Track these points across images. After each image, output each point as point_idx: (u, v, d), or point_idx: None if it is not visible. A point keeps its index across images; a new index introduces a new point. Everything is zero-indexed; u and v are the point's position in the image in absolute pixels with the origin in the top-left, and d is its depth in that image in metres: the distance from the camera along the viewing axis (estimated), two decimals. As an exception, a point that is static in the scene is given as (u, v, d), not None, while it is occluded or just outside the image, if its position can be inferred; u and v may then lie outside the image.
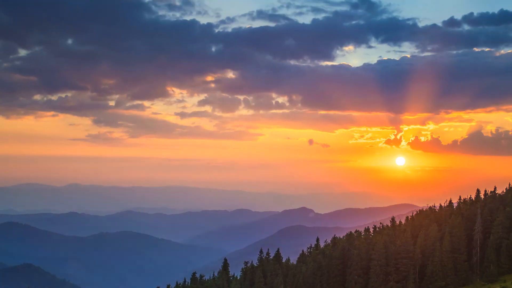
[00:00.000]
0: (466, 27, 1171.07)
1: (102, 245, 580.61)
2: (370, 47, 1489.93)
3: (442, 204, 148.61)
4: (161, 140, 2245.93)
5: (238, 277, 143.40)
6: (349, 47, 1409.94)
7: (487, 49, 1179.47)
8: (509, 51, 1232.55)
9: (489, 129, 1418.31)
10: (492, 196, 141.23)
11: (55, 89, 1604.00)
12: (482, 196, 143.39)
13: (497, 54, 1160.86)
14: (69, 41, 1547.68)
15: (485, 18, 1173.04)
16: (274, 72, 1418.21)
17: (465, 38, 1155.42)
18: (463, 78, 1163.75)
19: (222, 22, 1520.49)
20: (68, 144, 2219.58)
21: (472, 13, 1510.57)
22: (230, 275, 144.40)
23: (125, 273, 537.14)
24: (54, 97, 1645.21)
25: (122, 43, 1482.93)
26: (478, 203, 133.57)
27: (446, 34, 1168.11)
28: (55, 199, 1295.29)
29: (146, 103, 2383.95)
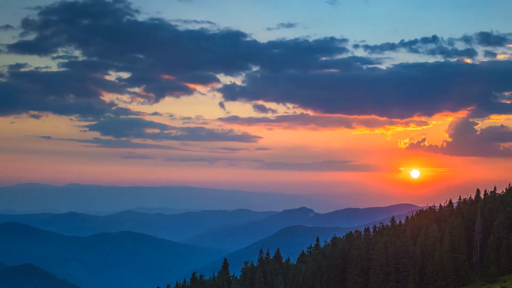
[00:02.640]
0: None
1: (102, 245, 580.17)
2: (359, 56, 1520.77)
3: (442, 204, 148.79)
4: (163, 142, 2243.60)
5: (238, 277, 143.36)
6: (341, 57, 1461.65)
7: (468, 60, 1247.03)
8: (485, 59, 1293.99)
9: (477, 131, 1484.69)
10: (492, 196, 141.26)
11: (60, 94, 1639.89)
12: (482, 196, 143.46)
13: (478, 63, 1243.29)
14: (78, 52, 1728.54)
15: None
16: (272, 79, 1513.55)
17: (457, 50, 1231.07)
18: (452, 84, 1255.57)
19: (222, 34, 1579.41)
20: (69, 145, 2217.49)
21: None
22: (230, 275, 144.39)
23: (125, 273, 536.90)
24: (58, 101, 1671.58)
25: (127, 55, 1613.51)
26: (478, 203, 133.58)
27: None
28: (55, 199, 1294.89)
29: (148, 107, 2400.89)
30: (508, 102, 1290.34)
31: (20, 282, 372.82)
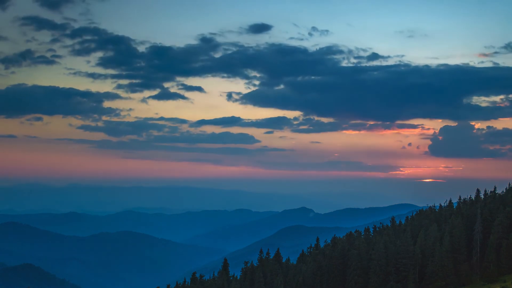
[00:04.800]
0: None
1: (102, 245, 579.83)
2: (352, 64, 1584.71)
3: (442, 204, 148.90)
4: (163, 143, 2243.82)
5: (238, 277, 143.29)
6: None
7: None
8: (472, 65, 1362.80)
9: (476, 133, 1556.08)
10: (492, 196, 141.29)
11: (64, 98, 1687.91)
12: (482, 196, 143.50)
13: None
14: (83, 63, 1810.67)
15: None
16: (273, 84, 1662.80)
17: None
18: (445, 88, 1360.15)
19: (224, 42, 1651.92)
20: (70, 145, 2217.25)
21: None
22: (230, 275, 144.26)
23: (125, 273, 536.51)
24: (61, 104, 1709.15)
25: (130, 61, 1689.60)
26: (478, 203, 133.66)
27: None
28: (55, 199, 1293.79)
29: (149, 109, 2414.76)
30: (492, 106, 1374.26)
31: (20, 282, 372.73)
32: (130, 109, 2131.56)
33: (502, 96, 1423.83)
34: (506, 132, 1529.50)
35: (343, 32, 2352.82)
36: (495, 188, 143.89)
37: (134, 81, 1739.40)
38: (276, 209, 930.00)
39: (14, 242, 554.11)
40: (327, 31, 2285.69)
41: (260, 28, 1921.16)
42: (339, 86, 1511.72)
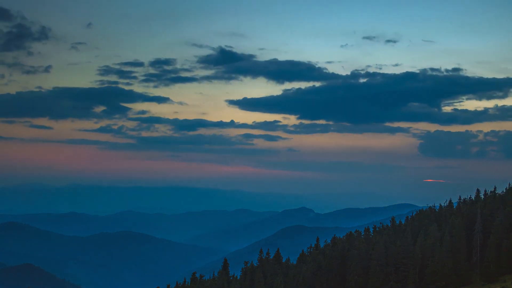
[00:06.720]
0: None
1: (102, 245, 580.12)
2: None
3: (442, 204, 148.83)
4: (164, 144, 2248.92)
5: (238, 277, 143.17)
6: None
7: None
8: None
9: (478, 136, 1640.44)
10: (492, 196, 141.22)
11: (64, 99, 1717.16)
12: (482, 196, 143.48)
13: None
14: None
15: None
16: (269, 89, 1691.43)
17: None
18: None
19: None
20: (70, 145, 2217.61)
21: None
22: (230, 275, 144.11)
23: (125, 273, 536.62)
24: (63, 105, 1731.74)
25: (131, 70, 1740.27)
26: (478, 203, 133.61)
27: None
28: (55, 199, 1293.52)
29: (149, 110, 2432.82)
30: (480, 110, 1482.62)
31: (20, 282, 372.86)
32: (132, 111, 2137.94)
33: (489, 101, 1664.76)
34: (493, 134, 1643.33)
35: (358, 45, 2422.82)
36: (495, 188, 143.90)
37: (136, 83, 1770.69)
38: (276, 209, 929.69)
39: (14, 242, 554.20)
40: (346, 44, 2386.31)
41: (278, 45, 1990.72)
42: (336, 90, 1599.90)
